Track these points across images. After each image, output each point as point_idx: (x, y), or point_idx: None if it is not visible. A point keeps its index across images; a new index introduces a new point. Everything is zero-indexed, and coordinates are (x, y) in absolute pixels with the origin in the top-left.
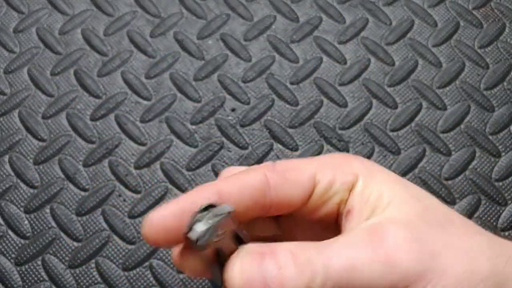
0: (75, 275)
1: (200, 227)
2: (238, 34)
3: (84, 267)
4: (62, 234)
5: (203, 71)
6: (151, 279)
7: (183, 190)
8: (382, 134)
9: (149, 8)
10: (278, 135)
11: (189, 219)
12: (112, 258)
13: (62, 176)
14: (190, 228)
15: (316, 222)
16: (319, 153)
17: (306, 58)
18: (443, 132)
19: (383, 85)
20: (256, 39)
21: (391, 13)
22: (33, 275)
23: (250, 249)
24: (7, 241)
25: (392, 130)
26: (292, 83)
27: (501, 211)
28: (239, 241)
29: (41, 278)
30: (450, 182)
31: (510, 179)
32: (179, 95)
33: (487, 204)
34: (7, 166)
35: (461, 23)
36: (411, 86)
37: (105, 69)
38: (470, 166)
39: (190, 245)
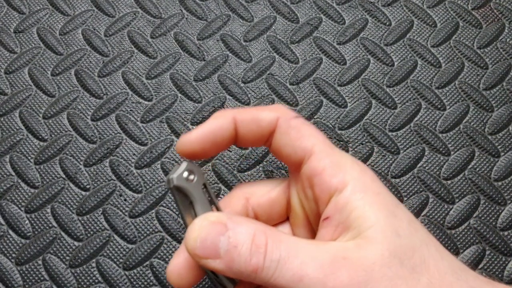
0: (75, 274)
1: (177, 170)
2: (238, 34)
3: (84, 266)
4: (63, 234)
5: (204, 71)
6: (152, 278)
7: None
8: (382, 134)
9: (150, 9)
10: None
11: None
12: (112, 257)
13: (63, 176)
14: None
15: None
16: None
17: (305, 59)
18: (442, 132)
19: (383, 85)
20: (256, 39)
21: (391, 14)
22: (34, 275)
23: (216, 216)
24: (7, 241)
25: (391, 130)
26: (292, 84)
27: (500, 211)
28: (214, 204)
29: (42, 278)
30: (449, 182)
31: (509, 179)
32: (179, 95)
33: (486, 204)
34: (8, 166)
35: (461, 24)
36: (410, 86)
37: (106, 69)
38: (469, 166)
39: (168, 186)
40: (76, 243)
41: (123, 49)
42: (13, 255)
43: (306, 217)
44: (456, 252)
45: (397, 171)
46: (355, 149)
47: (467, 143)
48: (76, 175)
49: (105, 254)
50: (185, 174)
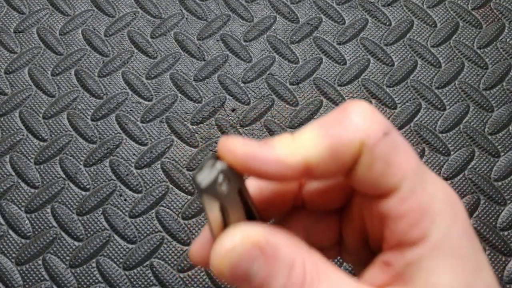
0: (76, 274)
1: (210, 171)
2: (238, 34)
3: (85, 266)
4: (63, 234)
5: (204, 71)
6: (152, 278)
7: (183, 189)
8: None
9: (150, 9)
10: (278, 135)
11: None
12: (113, 257)
13: (63, 176)
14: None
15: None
16: None
17: (305, 59)
18: (442, 132)
19: (382, 85)
20: (256, 39)
21: (391, 14)
22: (34, 275)
23: (251, 237)
24: (8, 241)
25: None
26: (292, 84)
27: (500, 211)
28: (249, 214)
29: (42, 278)
30: (449, 182)
31: (509, 179)
32: (179, 95)
33: (486, 203)
34: (8, 166)
35: (461, 24)
36: (410, 86)
37: (106, 69)
38: (469, 166)
39: (196, 187)
40: (76, 243)
41: (123, 49)
42: (13, 255)
43: (363, 224)
44: None
45: None
46: None
47: (467, 143)
48: (76, 175)
49: (105, 254)
50: (220, 178)
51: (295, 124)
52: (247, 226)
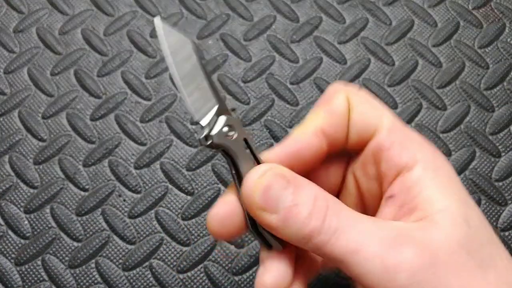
0: (75, 275)
1: (215, 125)
2: (238, 34)
3: (84, 267)
4: (62, 234)
5: None
6: (151, 279)
7: (183, 190)
8: None
9: (149, 8)
10: (278, 135)
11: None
12: (112, 258)
13: (62, 176)
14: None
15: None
16: None
17: (306, 58)
18: (443, 132)
19: (383, 85)
20: (256, 39)
21: (391, 13)
22: (33, 275)
23: (278, 169)
24: (7, 241)
25: None
26: (292, 83)
27: (501, 211)
28: (256, 160)
29: (41, 278)
30: None
31: (510, 179)
32: (179, 95)
33: (487, 204)
34: (7, 166)
35: (461, 23)
36: (411, 86)
37: (105, 69)
38: (470, 166)
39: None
40: (75, 244)
41: (122, 48)
42: (13, 255)
43: (360, 197)
44: None
45: None
46: None
47: (468, 143)
48: (75, 175)
49: (104, 254)
50: (225, 129)
51: (295, 124)
52: (271, 164)
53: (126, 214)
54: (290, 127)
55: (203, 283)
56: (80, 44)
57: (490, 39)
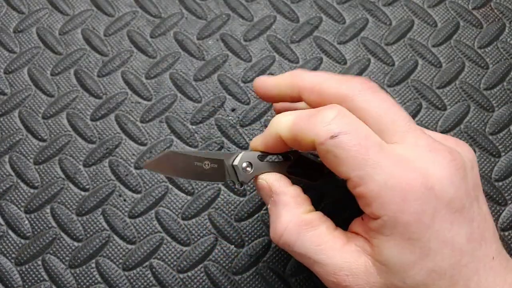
0: (75, 275)
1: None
2: (238, 34)
3: (84, 267)
4: (63, 234)
5: (203, 71)
6: (151, 279)
7: (183, 189)
8: None
9: (150, 8)
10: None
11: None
12: (112, 258)
13: (63, 176)
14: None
15: None
16: None
17: (306, 58)
18: (442, 132)
19: (383, 85)
20: (256, 39)
21: (391, 13)
22: (34, 275)
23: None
24: (7, 241)
25: None
26: None
27: (501, 211)
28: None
29: (41, 278)
30: None
31: (510, 179)
32: (179, 95)
33: (487, 204)
34: (8, 166)
35: (461, 23)
36: (411, 86)
37: (106, 69)
38: None
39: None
40: (75, 244)
41: (122, 48)
42: (13, 255)
43: None
44: None
45: None
46: None
47: (468, 143)
48: (75, 175)
49: (104, 254)
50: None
51: None
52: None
53: (126, 214)
54: None
55: (203, 283)
56: (80, 44)
57: (490, 39)
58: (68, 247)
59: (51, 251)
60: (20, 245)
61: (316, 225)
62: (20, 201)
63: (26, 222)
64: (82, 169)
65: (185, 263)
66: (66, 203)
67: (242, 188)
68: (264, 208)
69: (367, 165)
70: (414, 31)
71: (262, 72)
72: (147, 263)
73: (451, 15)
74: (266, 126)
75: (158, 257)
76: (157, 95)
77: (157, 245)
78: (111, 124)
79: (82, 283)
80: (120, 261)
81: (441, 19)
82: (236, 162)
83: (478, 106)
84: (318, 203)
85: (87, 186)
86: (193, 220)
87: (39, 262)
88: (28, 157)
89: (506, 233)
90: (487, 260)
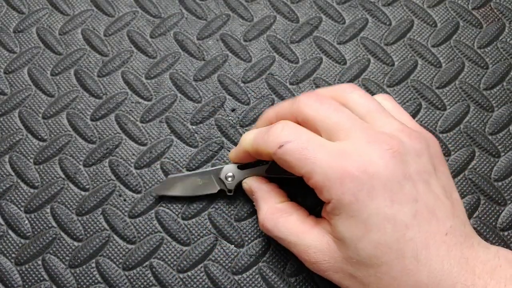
0: (75, 274)
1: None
2: (238, 34)
3: (84, 266)
4: (63, 234)
5: (203, 71)
6: (151, 278)
7: None
8: None
9: (150, 9)
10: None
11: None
12: (112, 257)
13: (63, 176)
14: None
15: None
16: None
17: (306, 58)
18: (442, 132)
19: (383, 85)
20: (256, 39)
21: (391, 13)
22: (34, 275)
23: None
24: (7, 241)
25: None
26: (292, 83)
27: (500, 211)
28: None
29: (42, 278)
30: None
31: (509, 179)
32: (179, 95)
33: (487, 204)
34: (8, 166)
35: (461, 23)
36: (410, 86)
37: (106, 69)
38: (470, 166)
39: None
40: (75, 243)
41: (122, 48)
42: (13, 255)
43: None
44: None
45: None
46: None
47: (467, 143)
48: (75, 175)
49: (104, 254)
50: (229, 179)
51: None
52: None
53: (126, 213)
54: None
55: (203, 283)
56: (80, 44)
57: (490, 39)
58: (68, 247)
59: (51, 251)
60: (20, 245)
61: (289, 212)
62: (20, 201)
63: (26, 222)
64: (82, 169)
65: (185, 263)
66: (66, 203)
67: (231, 193)
68: None
69: (310, 163)
70: (413, 31)
71: (262, 72)
72: (147, 263)
73: (451, 15)
74: None
75: (158, 257)
76: (157, 95)
77: (157, 245)
78: (111, 124)
79: (82, 283)
80: (120, 261)
81: (441, 19)
82: (220, 175)
83: (477, 106)
84: (300, 195)
85: (87, 186)
86: (193, 220)
87: (39, 262)
88: (28, 157)
89: (506, 233)
90: (438, 236)
